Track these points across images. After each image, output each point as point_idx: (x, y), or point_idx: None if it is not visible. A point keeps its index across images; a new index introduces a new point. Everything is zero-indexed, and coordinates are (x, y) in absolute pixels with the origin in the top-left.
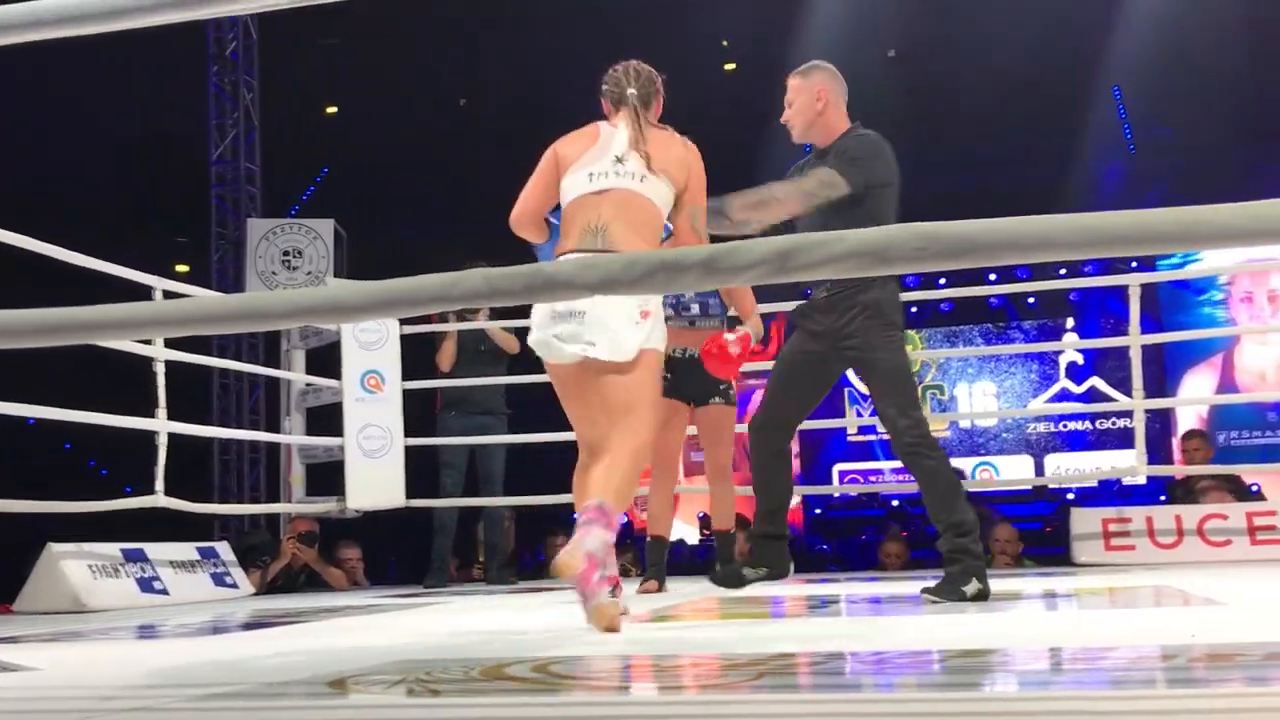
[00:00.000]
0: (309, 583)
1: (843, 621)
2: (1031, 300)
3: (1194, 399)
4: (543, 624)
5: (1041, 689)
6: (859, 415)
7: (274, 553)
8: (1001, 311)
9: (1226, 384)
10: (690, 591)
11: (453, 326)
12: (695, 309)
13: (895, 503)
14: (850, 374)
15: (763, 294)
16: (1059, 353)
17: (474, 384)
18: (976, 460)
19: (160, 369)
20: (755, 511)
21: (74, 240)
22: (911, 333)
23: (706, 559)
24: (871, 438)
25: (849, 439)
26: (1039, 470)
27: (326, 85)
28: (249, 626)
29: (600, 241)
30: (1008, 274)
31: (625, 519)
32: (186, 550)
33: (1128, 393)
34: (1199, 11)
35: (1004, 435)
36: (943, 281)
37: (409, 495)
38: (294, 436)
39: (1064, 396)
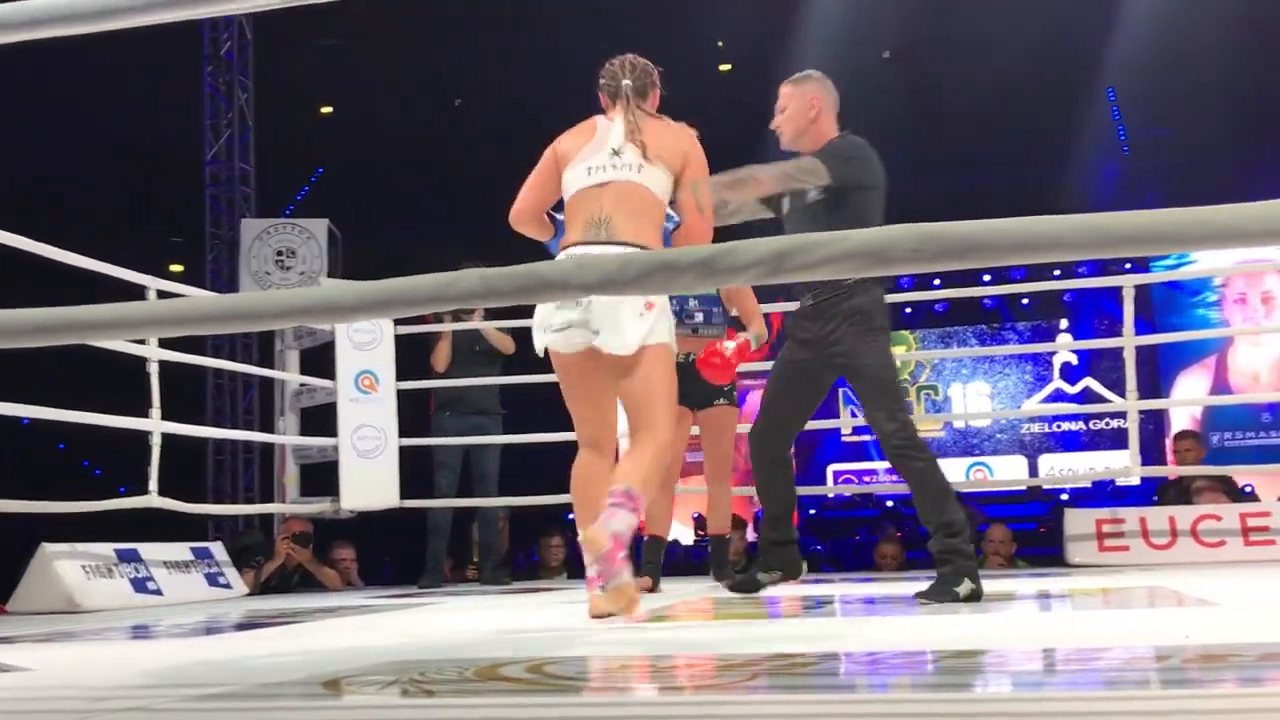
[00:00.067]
0: (303, 583)
1: (837, 622)
2: (1026, 301)
3: (1188, 400)
4: (538, 624)
5: (1035, 690)
6: (853, 416)
7: (268, 553)
8: (996, 312)
9: (1220, 385)
10: (685, 592)
11: (448, 327)
12: (699, 317)
13: (889, 503)
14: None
15: (764, 294)
16: (1053, 353)
17: (469, 384)
18: (971, 461)
19: (154, 369)
20: (762, 519)
21: (68, 240)
22: (906, 333)
23: (701, 559)
24: (866, 438)
25: (843, 439)
26: (1033, 471)
27: (321, 85)
28: (243, 627)
29: (604, 233)
30: (1002, 275)
31: None
32: (180, 550)
33: (1122, 393)
34: (1195, 12)
35: (998, 436)
36: (937, 282)
37: (403, 496)
38: (288, 437)
39: (1058, 397)
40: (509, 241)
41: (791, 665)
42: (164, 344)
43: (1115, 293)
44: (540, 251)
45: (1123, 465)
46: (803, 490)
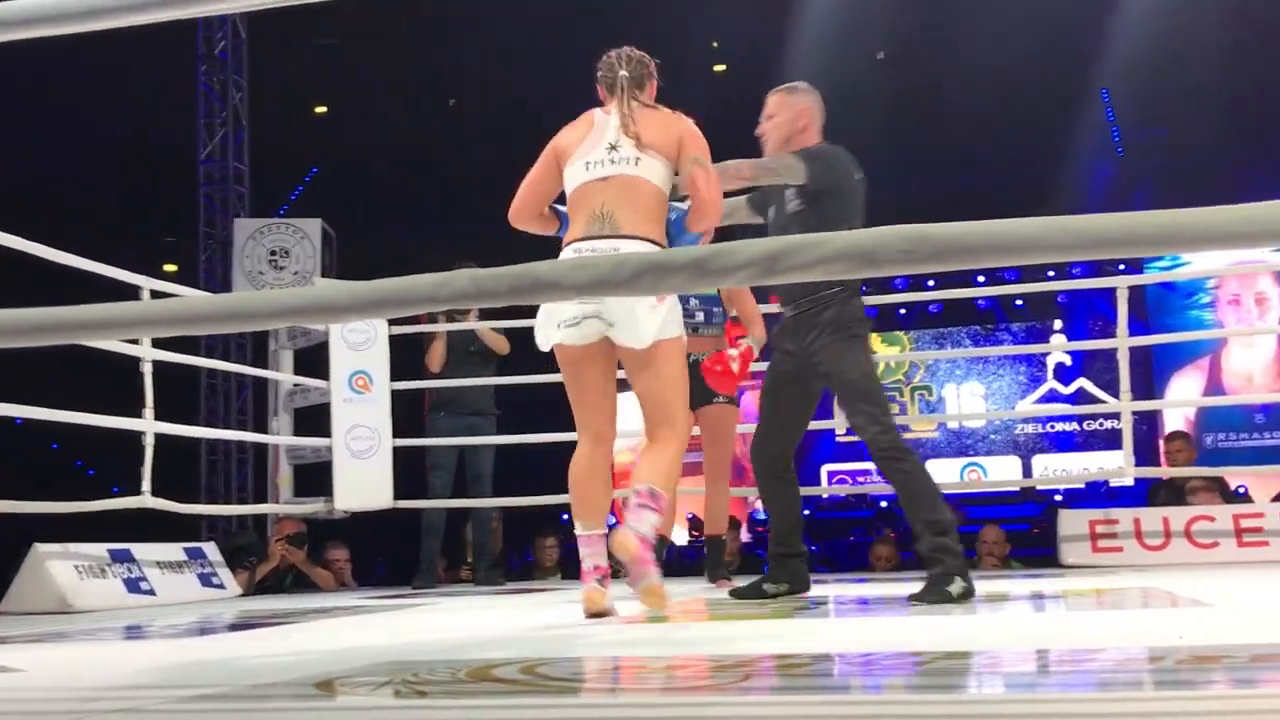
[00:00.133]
0: (296, 584)
1: (831, 623)
2: (1019, 302)
3: (1181, 401)
4: (531, 625)
5: (1029, 691)
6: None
7: (261, 554)
8: (990, 313)
9: (1214, 386)
10: (680, 592)
11: (442, 327)
12: (700, 316)
13: (884, 504)
14: None
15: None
16: (1047, 354)
17: (464, 385)
18: (965, 461)
19: (147, 369)
20: (770, 532)
21: (62, 239)
22: (900, 334)
23: (695, 560)
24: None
25: (837, 440)
26: (1027, 471)
27: (316, 85)
28: (236, 627)
29: (608, 227)
30: (996, 276)
31: (613, 520)
32: (173, 551)
33: (1115, 394)
34: (1190, 14)
35: (992, 437)
36: (931, 283)
37: (397, 496)
38: (282, 437)
39: (1052, 398)
40: (504, 241)
41: (785, 666)
42: (157, 344)
43: (1109, 294)
44: (535, 251)
45: (1116, 466)
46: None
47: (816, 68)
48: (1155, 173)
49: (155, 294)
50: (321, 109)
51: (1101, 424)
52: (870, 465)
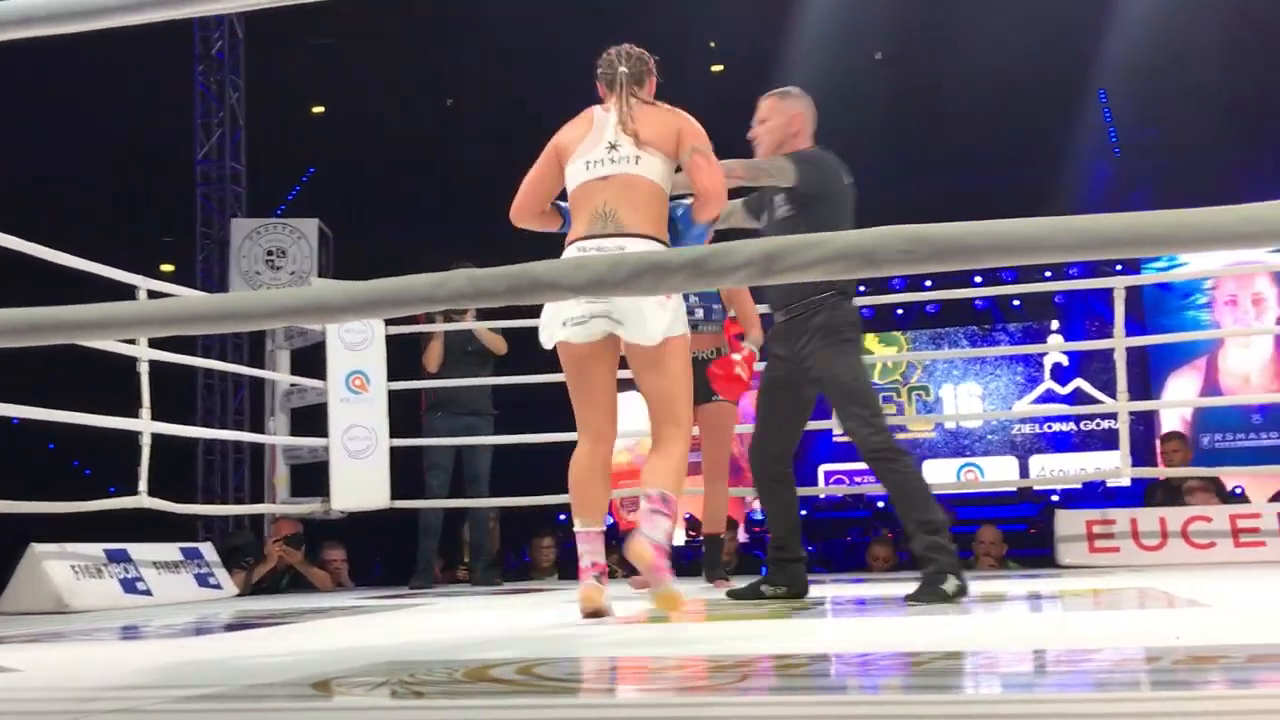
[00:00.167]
0: (293, 584)
1: (829, 623)
2: (1017, 302)
3: (1178, 401)
4: (528, 625)
5: (1026, 691)
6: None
7: (258, 554)
8: (987, 314)
9: (1211, 387)
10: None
11: (440, 327)
12: (699, 314)
13: (881, 504)
14: None
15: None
16: (1044, 354)
17: (461, 385)
18: (962, 461)
19: (144, 369)
20: (769, 536)
21: (58, 239)
22: (898, 334)
23: (692, 559)
24: None
25: (835, 440)
26: (1024, 471)
27: (313, 85)
28: (232, 628)
29: (611, 225)
30: (993, 276)
31: (611, 520)
32: (170, 551)
33: (1112, 395)
34: (1187, 14)
35: (989, 437)
36: (929, 284)
37: (394, 496)
38: (278, 437)
39: (1049, 398)
40: (502, 241)
41: (783, 666)
42: (154, 344)
43: (1106, 294)
44: (533, 251)
45: (1113, 466)
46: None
47: (814, 68)
48: (1154, 173)
49: (152, 294)
50: (319, 109)
51: (1098, 424)
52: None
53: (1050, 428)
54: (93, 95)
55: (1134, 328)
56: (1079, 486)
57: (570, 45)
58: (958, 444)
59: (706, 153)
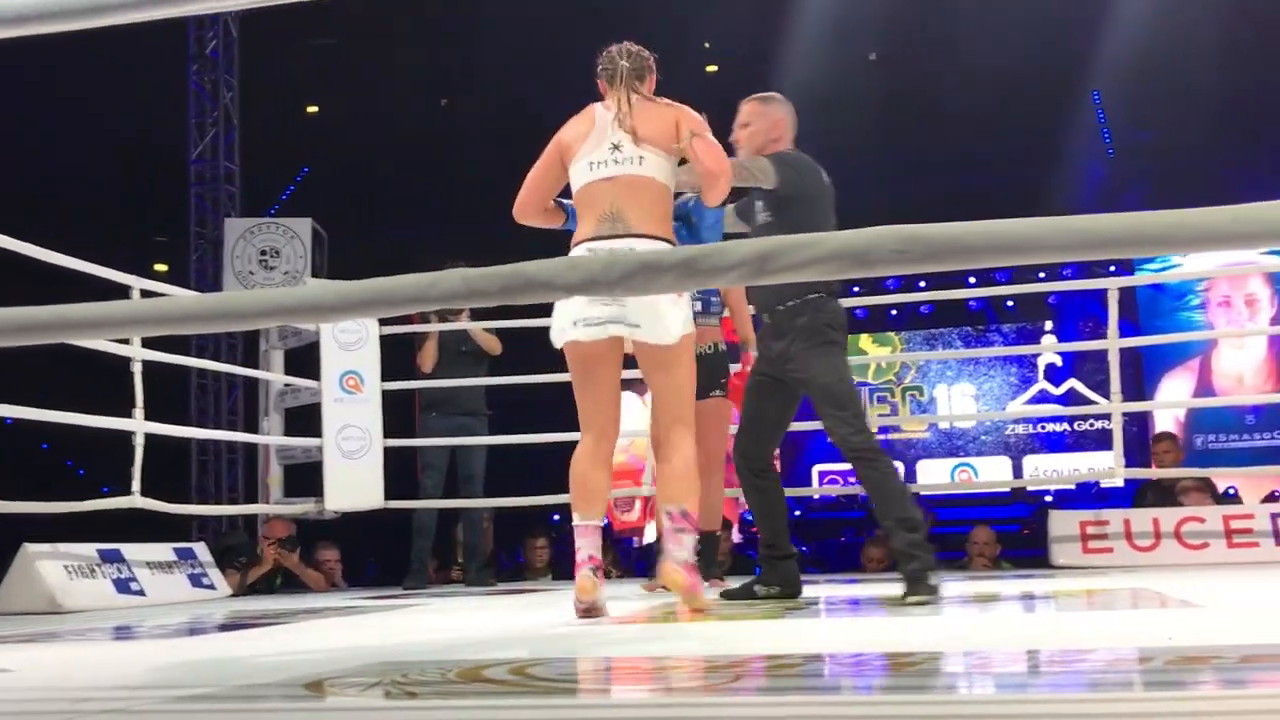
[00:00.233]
0: (286, 584)
1: (823, 623)
2: (1011, 303)
3: (1172, 402)
4: (522, 626)
5: (1019, 691)
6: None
7: (251, 554)
8: (981, 314)
9: (1204, 387)
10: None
11: (435, 327)
12: (698, 306)
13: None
14: None
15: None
16: (1038, 355)
17: (456, 385)
18: (956, 462)
19: (138, 369)
20: (760, 534)
21: (52, 239)
22: (892, 334)
23: None
24: None
25: (829, 440)
26: (1017, 472)
27: (307, 84)
28: (226, 628)
29: (620, 226)
30: (987, 277)
31: (605, 520)
32: (163, 551)
33: (1106, 395)
34: (1180, 16)
35: (983, 437)
36: (923, 284)
37: (387, 496)
38: (272, 437)
39: (1042, 399)
40: (497, 240)
41: (777, 666)
42: (147, 344)
43: (1100, 295)
44: (529, 251)
45: (1107, 467)
46: (788, 491)
47: (808, 69)
48: (1148, 174)
49: (145, 294)
50: (313, 109)
51: (1092, 424)
52: None
53: (1044, 428)
54: (86, 95)
55: (1128, 329)
56: (1072, 487)
57: (566, 45)
58: (952, 444)
59: (705, 135)
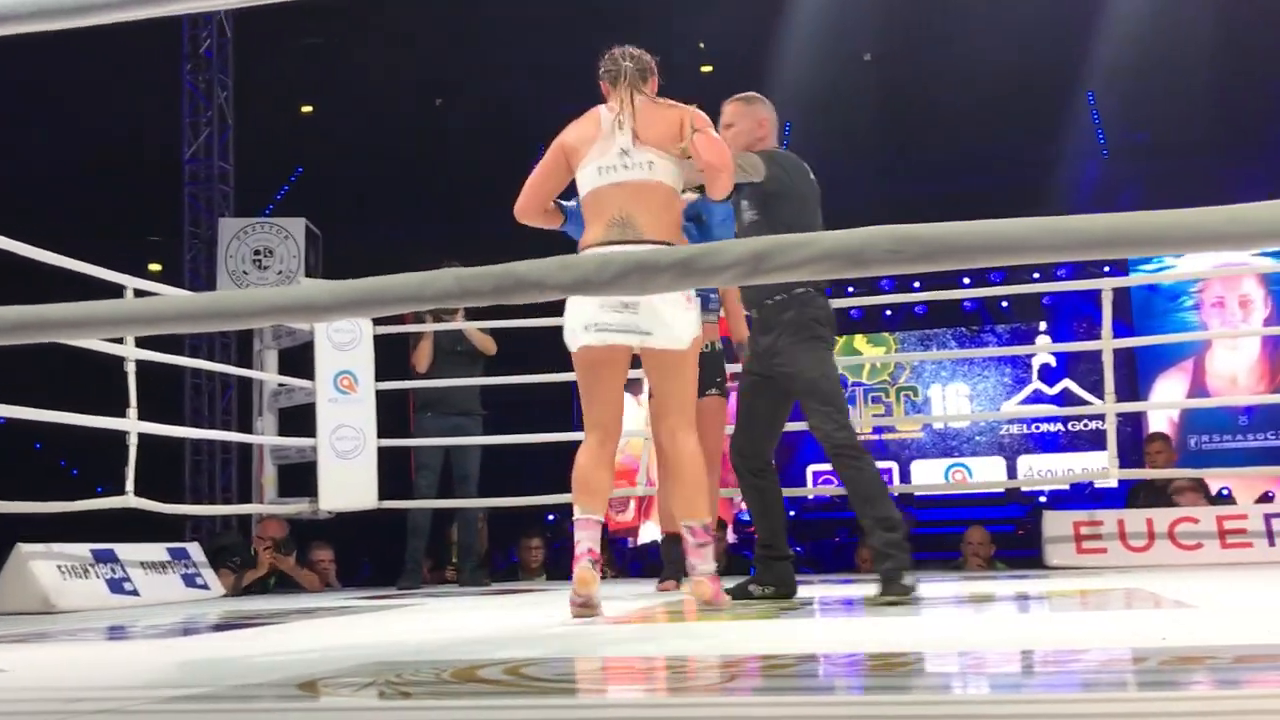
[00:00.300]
0: (280, 584)
1: (816, 623)
2: (1005, 304)
3: (1166, 403)
4: (516, 626)
5: (1013, 691)
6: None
7: (245, 554)
8: (975, 315)
9: (1198, 388)
10: (654, 594)
11: (429, 327)
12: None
13: None
14: None
15: None
16: (1032, 355)
17: (450, 385)
18: (950, 462)
19: (131, 368)
20: (757, 534)
21: (45, 238)
22: (887, 335)
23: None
24: None
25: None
26: (1011, 472)
27: (301, 84)
28: (220, 628)
29: (630, 232)
30: (982, 277)
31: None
32: (157, 551)
33: (1100, 396)
34: (1175, 17)
35: (977, 438)
36: (917, 285)
37: (382, 496)
38: (266, 437)
39: (1037, 399)
40: (491, 240)
41: (771, 666)
42: (141, 343)
43: (1094, 296)
44: (523, 251)
45: (1100, 467)
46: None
47: (803, 69)
48: (1142, 175)
49: (139, 293)
50: (307, 108)
51: (1086, 425)
52: None
53: (1038, 428)
54: (80, 94)
55: (1122, 330)
56: (1066, 488)
57: (560, 45)
58: (946, 444)
59: (707, 130)
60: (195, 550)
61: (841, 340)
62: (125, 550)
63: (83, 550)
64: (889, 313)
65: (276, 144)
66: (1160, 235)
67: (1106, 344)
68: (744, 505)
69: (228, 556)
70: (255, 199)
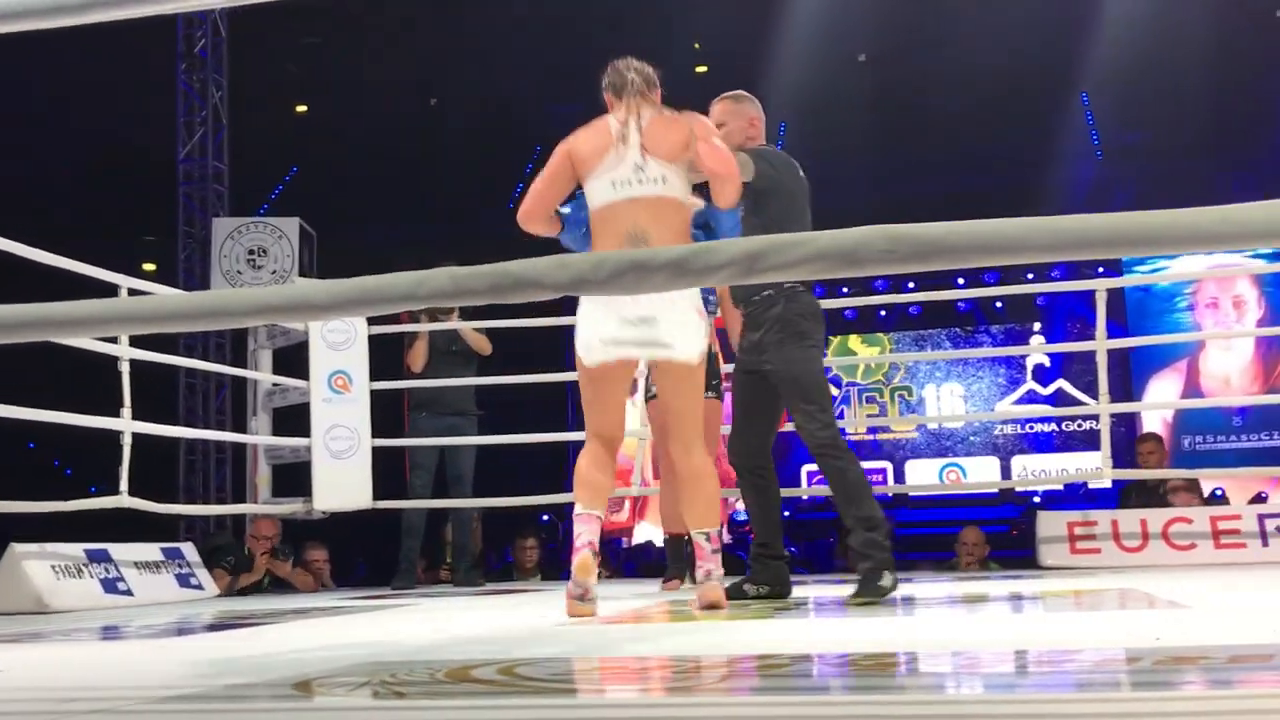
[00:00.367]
0: (274, 584)
1: (811, 624)
2: (999, 304)
3: (1159, 403)
4: (510, 626)
5: (1007, 691)
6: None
7: (239, 554)
8: (970, 315)
9: (1192, 389)
10: (659, 592)
11: (424, 327)
12: None
13: None
14: None
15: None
16: (1026, 356)
17: (445, 385)
18: (944, 462)
19: (125, 368)
20: (754, 533)
21: (39, 237)
22: (881, 335)
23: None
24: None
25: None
26: (1005, 472)
27: (296, 84)
28: (214, 628)
29: (644, 248)
30: (976, 278)
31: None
32: (151, 551)
33: (1094, 396)
34: (1168, 20)
35: (971, 438)
36: (911, 285)
37: (376, 496)
38: (260, 437)
39: (1031, 399)
40: (486, 240)
41: (765, 666)
42: (135, 343)
43: (1088, 296)
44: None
45: (1094, 467)
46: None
47: (798, 69)
48: (1137, 176)
49: (133, 293)
50: (302, 108)
51: (1080, 425)
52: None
53: (1032, 428)
54: (75, 94)
55: (1116, 330)
56: (1060, 488)
57: (556, 46)
58: (940, 445)
59: (710, 139)
60: (189, 550)
61: (836, 340)
62: (119, 550)
63: (76, 550)
64: (883, 313)
65: (271, 144)
66: (1155, 235)
67: (1101, 344)
68: (738, 505)
69: (222, 556)
70: (250, 199)
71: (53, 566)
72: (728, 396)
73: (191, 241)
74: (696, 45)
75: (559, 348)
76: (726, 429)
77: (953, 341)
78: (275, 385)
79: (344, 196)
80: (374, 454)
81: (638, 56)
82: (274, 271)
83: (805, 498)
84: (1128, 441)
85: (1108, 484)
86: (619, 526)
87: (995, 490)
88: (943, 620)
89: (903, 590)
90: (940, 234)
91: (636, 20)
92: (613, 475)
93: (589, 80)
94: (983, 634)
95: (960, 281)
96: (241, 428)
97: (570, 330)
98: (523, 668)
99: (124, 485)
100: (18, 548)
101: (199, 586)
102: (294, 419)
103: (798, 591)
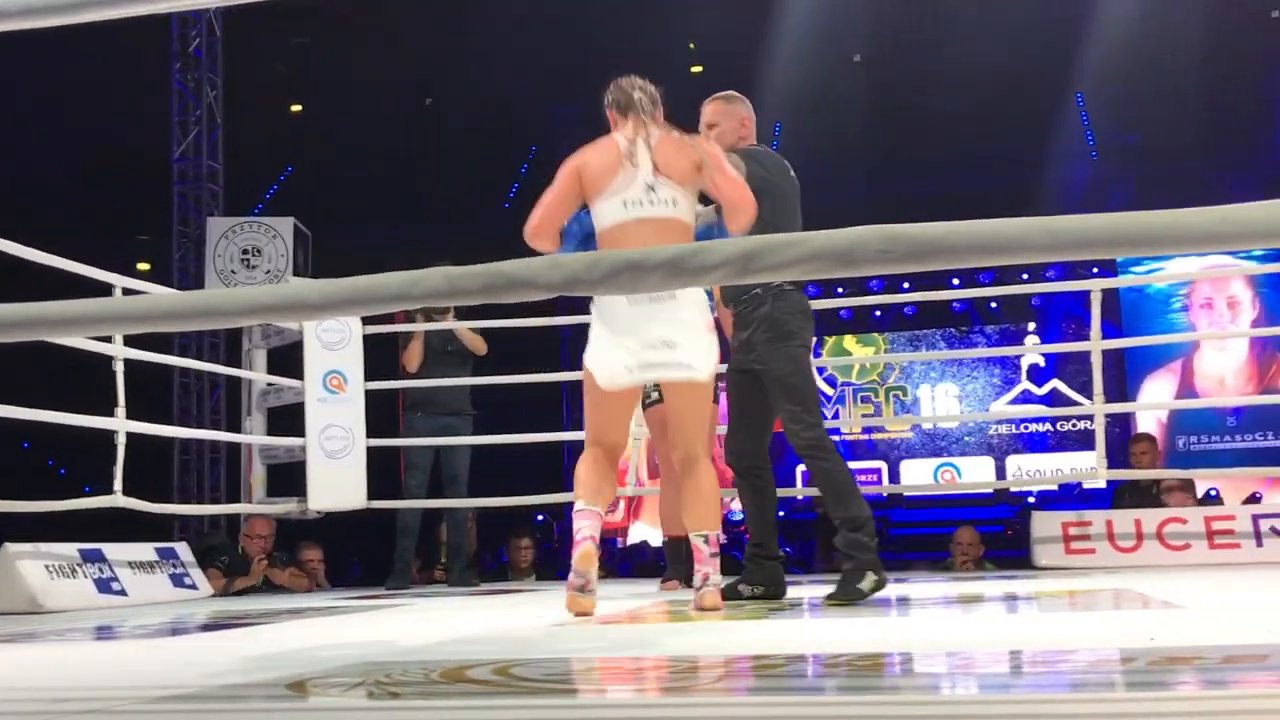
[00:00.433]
0: (269, 583)
1: (805, 624)
2: (994, 305)
3: (1154, 403)
4: (505, 626)
5: (1001, 692)
6: (822, 417)
7: (234, 554)
8: (965, 315)
9: (1186, 389)
10: (654, 593)
11: (420, 327)
12: None
13: None
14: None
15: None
16: (1020, 356)
17: (440, 385)
18: (939, 462)
19: (119, 367)
20: (749, 533)
21: (34, 237)
22: (876, 335)
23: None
24: (834, 439)
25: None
26: (1000, 472)
27: (291, 84)
28: (208, 628)
29: None
30: (970, 278)
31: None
32: (145, 551)
33: (1089, 397)
34: (1164, 20)
35: (966, 438)
36: (906, 285)
37: (371, 496)
38: (255, 437)
39: (1025, 399)
40: (482, 241)
41: (761, 667)
42: (129, 342)
43: (1083, 297)
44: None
45: (1089, 468)
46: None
47: (793, 70)
48: (1132, 176)
49: (127, 292)
50: (297, 108)
51: (1074, 425)
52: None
53: (1026, 429)
54: (70, 93)
55: (1111, 330)
56: (1055, 488)
57: (551, 45)
58: (935, 445)
59: (725, 170)
60: (183, 550)
61: (831, 340)
62: (113, 550)
63: (70, 550)
64: (878, 313)
65: (266, 143)
66: (1155, 235)
67: (1095, 345)
68: (734, 506)
69: (216, 556)
70: (244, 198)
71: (47, 566)
72: (723, 398)
73: (186, 241)
74: (692, 45)
75: (554, 348)
76: (722, 429)
77: (948, 342)
78: (270, 385)
79: (339, 196)
80: (369, 454)
81: (634, 56)
82: (268, 271)
83: (800, 498)
84: (1122, 442)
85: (1102, 484)
86: (614, 526)
87: (990, 490)
88: (937, 620)
89: (898, 590)
90: (936, 234)
91: (632, 21)
92: (614, 480)
93: (586, 80)
94: (977, 634)
95: (955, 282)
96: (236, 427)
97: (565, 330)
98: (518, 668)
99: (118, 485)
100: (11, 548)
101: (193, 586)
102: (289, 419)
103: (792, 592)
